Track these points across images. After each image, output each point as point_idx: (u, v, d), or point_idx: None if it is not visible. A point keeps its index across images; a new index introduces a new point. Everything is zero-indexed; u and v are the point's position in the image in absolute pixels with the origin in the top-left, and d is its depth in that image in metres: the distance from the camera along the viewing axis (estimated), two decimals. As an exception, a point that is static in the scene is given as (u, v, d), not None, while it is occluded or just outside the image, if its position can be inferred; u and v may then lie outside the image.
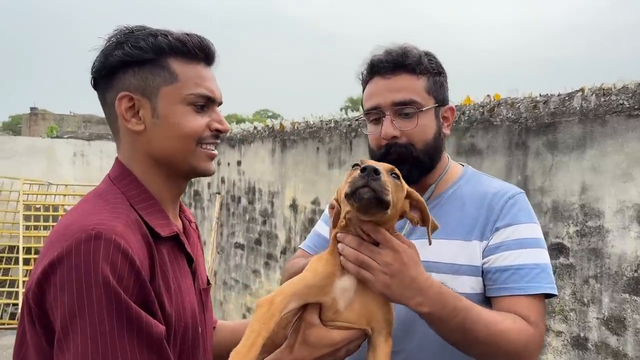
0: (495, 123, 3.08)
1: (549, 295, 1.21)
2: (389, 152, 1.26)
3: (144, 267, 0.91)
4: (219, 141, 1.10)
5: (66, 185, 9.00)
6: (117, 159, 1.08)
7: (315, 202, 4.85)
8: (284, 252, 5.30)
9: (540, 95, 2.91)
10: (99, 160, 10.32)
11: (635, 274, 2.35)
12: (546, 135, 2.78)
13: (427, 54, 1.30)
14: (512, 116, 2.98)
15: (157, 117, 1.02)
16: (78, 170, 10.17)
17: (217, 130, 1.07)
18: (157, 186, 1.06)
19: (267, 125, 5.78)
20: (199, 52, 1.04)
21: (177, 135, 1.03)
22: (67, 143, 10.80)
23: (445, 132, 1.32)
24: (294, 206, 5.17)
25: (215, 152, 1.09)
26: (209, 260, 6.73)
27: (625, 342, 2.39)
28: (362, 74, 1.33)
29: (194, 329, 1.03)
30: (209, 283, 1.20)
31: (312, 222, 4.86)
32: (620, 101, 2.46)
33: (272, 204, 5.55)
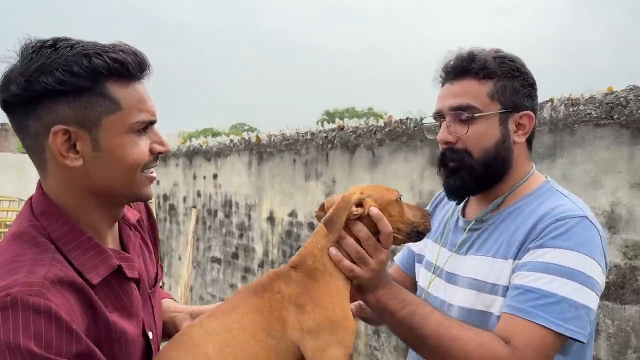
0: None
1: (574, 337, 1.06)
2: (445, 157, 1.25)
3: (76, 317, 0.83)
4: (157, 163, 1.02)
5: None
6: (41, 191, 0.95)
7: (292, 214, 4.84)
8: (261, 265, 5.27)
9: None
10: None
11: (607, 280, 2.40)
12: (518, 145, 2.83)
13: (501, 57, 1.23)
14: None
15: (99, 149, 0.91)
16: None
17: (160, 153, 0.99)
18: (93, 217, 0.96)
19: (244, 138, 5.77)
20: (138, 71, 0.94)
21: (123, 167, 0.94)
22: None
23: (517, 140, 1.22)
24: (271, 218, 5.15)
25: (155, 174, 1.02)
26: (185, 275, 6.64)
27: (598, 347, 2.43)
28: (439, 79, 1.30)
29: (145, 343, 1.02)
30: (157, 281, 1.16)
31: (289, 234, 4.84)
32: (588, 111, 2.53)
33: (249, 216, 5.52)
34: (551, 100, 2.73)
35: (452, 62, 1.24)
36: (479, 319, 1.17)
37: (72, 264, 0.88)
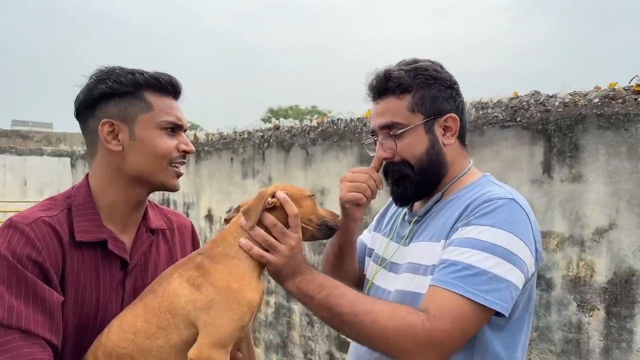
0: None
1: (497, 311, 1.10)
2: (388, 170, 1.34)
3: (49, 251, 1.11)
4: (185, 161, 1.30)
5: (-35, 202, 8.45)
6: (86, 176, 1.28)
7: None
8: (200, 262, 5.31)
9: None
10: (2, 174, 9.76)
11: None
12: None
13: (414, 70, 1.29)
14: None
15: (134, 139, 1.21)
16: (-21, 185, 9.57)
17: (184, 151, 1.26)
18: (116, 196, 1.24)
19: (182, 137, 5.78)
20: (170, 87, 1.25)
21: (153, 154, 1.22)
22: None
23: (446, 142, 1.29)
24: (209, 216, 5.21)
25: (182, 171, 1.28)
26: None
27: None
28: (368, 96, 1.37)
29: (101, 315, 1.18)
30: None
31: (227, 231, 4.92)
32: (496, 114, 2.78)
33: (188, 215, 5.55)
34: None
35: (373, 83, 1.32)
36: (411, 300, 1.21)
37: (73, 224, 1.18)
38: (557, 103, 2.58)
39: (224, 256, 1.16)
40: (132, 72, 1.22)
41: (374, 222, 1.59)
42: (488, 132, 2.79)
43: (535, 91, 2.75)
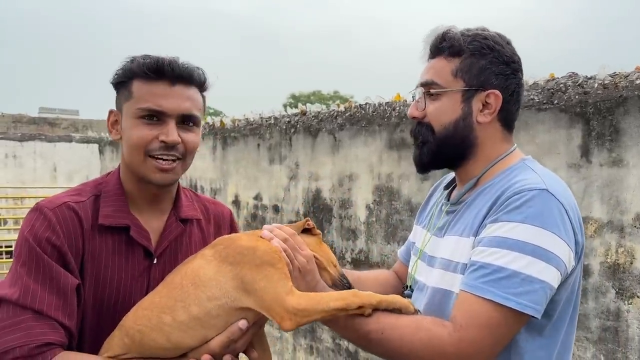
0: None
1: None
2: (414, 131, 1.29)
3: (69, 235, 1.14)
4: (172, 153, 1.19)
5: (-3, 188, 8.64)
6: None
7: (257, 197, 4.94)
8: (227, 248, 5.35)
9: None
10: (32, 161, 9.95)
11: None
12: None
13: (472, 36, 1.21)
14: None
15: (121, 129, 1.23)
16: (10, 172, 9.77)
17: (164, 142, 1.17)
18: (130, 187, 1.25)
19: (208, 123, 5.80)
20: (151, 72, 1.17)
21: (128, 145, 1.20)
22: (-3, 144, 10.34)
23: (481, 119, 1.20)
24: (236, 202, 5.23)
25: (165, 165, 1.19)
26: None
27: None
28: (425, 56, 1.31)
29: (122, 302, 1.19)
30: None
31: (254, 217, 4.95)
32: (532, 96, 2.71)
33: (215, 200, 5.59)
34: (498, 86, 2.89)
35: (429, 41, 1.26)
36: (442, 298, 1.17)
37: (99, 210, 1.19)
38: (596, 85, 2.50)
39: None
40: (132, 60, 1.21)
41: (417, 216, 1.53)
42: (524, 115, 2.72)
43: (573, 73, 2.67)
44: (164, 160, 1.19)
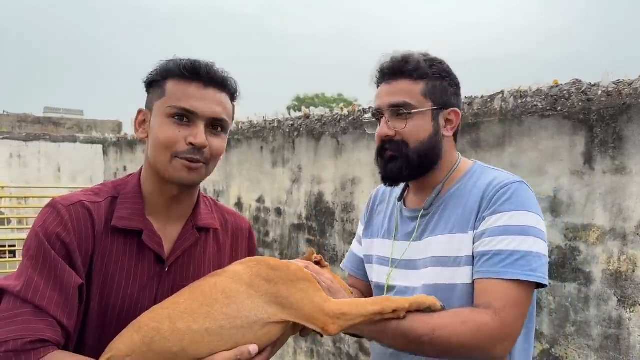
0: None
1: (539, 285, 1.21)
2: (384, 148, 1.37)
3: (80, 234, 1.13)
4: (199, 157, 1.17)
5: (2, 188, 8.67)
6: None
7: (260, 199, 4.94)
8: (230, 250, 5.36)
9: (465, 97, 3.13)
10: (36, 161, 9.98)
11: (549, 260, 2.59)
12: (470, 135, 3.00)
13: (430, 60, 1.35)
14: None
15: (149, 127, 1.21)
16: (14, 172, 9.81)
17: (192, 144, 1.15)
18: (150, 188, 1.23)
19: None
20: (188, 72, 1.17)
21: (155, 144, 1.18)
22: (2, 144, 10.39)
23: (445, 134, 1.37)
24: (239, 204, 5.24)
25: (193, 165, 1.17)
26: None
27: (541, 322, 2.63)
28: (375, 79, 1.41)
29: (128, 308, 1.18)
30: None
31: (257, 219, 4.95)
32: (535, 103, 2.70)
33: (218, 202, 5.60)
34: (501, 92, 2.90)
35: (387, 64, 1.36)
36: (445, 292, 1.26)
37: (114, 212, 1.19)
38: (599, 92, 2.49)
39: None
40: (169, 61, 1.21)
41: (360, 232, 1.61)
42: (527, 121, 2.72)
43: (577, 79, 2.67)
44: (192, 161, 1.18)
